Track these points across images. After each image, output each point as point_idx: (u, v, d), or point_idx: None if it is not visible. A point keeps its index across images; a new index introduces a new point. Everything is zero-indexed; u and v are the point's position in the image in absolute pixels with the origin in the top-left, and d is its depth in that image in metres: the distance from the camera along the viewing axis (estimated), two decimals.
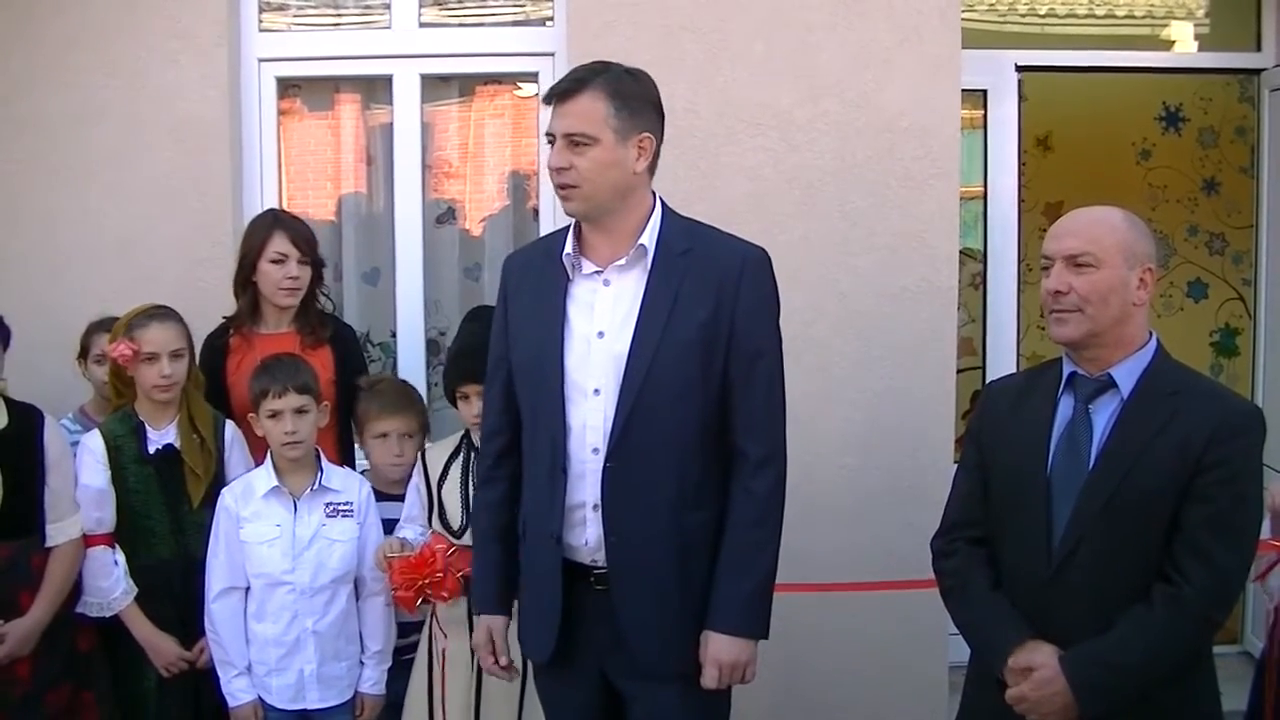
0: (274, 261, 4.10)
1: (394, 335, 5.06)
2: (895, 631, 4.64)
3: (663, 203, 3.08)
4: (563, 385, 2.96)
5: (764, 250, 3.07)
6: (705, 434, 3.01)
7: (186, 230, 4.65)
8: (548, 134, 2.95)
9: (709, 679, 2.97)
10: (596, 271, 3.00)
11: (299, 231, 4.15)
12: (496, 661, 3.16)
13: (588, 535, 2.99)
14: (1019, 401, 2.96)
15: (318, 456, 3.82)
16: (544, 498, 3.01)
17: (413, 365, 4.94)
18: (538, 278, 3.07)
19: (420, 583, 3.52)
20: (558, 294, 3.01)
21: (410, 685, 3.82)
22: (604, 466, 2.94)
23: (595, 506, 2.97)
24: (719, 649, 2.96)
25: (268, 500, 3.73)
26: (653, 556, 2.98)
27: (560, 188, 2.93)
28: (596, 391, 2.95)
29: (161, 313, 3.84)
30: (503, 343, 3.13)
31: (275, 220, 4.17)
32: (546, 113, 3.01)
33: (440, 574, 3.48)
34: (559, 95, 2.92)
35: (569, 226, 3.12)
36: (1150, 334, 2.84)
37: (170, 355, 3.78)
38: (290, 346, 4.07)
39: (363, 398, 4.05)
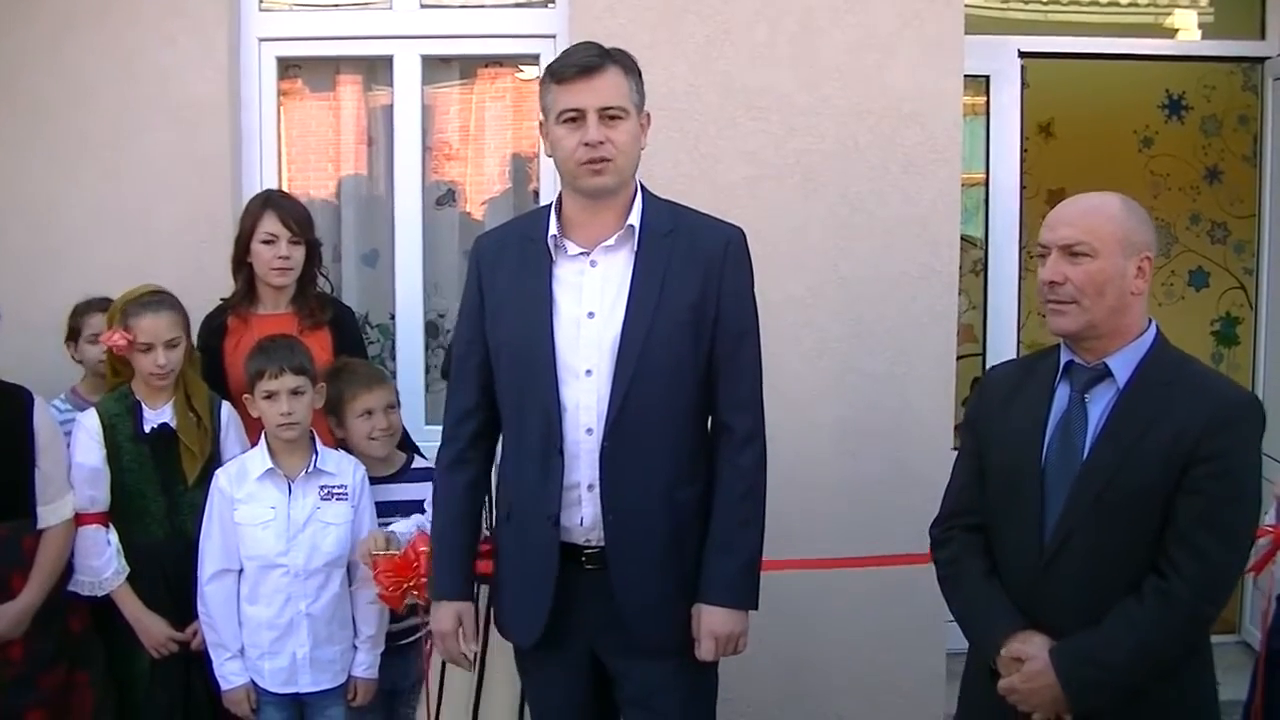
0: (265, 242, 4.08)
1: (393, 317, 5.05)
2: (893, 618, 4.64)
3: (642, 184, 3.09)
4: (554, 366, 2.96)
5: (742, 230, 3.11)
6: (694, 411, 3.08)
7: (186, 211, 4.64)
8: (572, 110, 2.91)
9: (706, 651, 3.01)
10: (583, 253, 3.00)
11: (290, 211, 4.12)
12: (461, 649, 3.13)
13: (582, 515, 3.01)
14: (1016, 389, 2.93)
15: (312, 439, 3.80)
16: (536, 480, 3.01)
17: (412, 347, 4.94)
18: (516, 259, 3.07)
19: (405, 585, 3.50)
20: (542, 276, 3.01)
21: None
22: (601, 446, 2.96)
23: (590, 486, 2.99)
24: (714, 621, 3.01)
25: (262, 482, 3.72)
26: (649, 534, 3.01)
27: (595, 161, 2.90)
28: (589, 372, 2.96)
29: (156, 300, 3.83)
30: (477, 324, 3.11)
31: (266, 200, 4.15)
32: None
33: (424, 577, 3.45)
34: (584, 70, 2.90)
35: (544, 208, 3.14)
36: (1150, 322, 2.80)
37: (165, 345, 3.78)
38: (288, 328, 4.05)
39: (334, 382, 3.98)
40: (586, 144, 2.89)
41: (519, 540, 3.09)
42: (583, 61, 2.92)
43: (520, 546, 3.09)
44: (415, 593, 3.49)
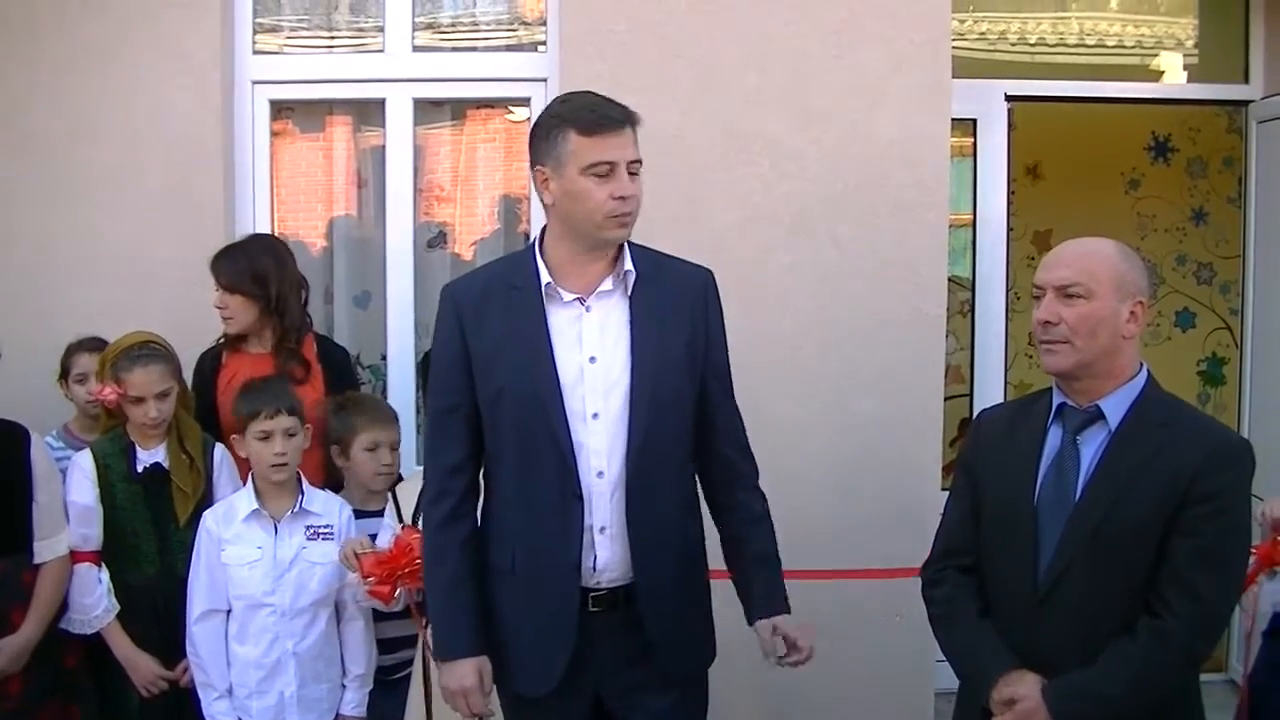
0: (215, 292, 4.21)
1: (384, 358, 5.08)
2: (881, 658, 4.65)
3: None
4: (563, 412, 2.96)
5: (712, 271, 3.17)
6: (691, 447, 3.13)
7: (179, 250, 4.65)
8: (603, 163, 2.88)
9: (806, 640, 3.04)
10: (577, 299, 3.01)
11: (218, 265, 4.22)
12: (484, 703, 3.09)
13: (595, 557, 3.01)
14: (1009, 431, 2.96)
15: (299, 479, 3.82)
16: (553, 526, 2.98)
17: (403, 388, 4.95)
18: (503, 307, 3.03)
19: (399, 572, 3.49)
20: (537, 322, 2.99)
21: (407, 713, 3.79)
22: (624, 487, 2.97)
23: (603, 529, 2.99)
24: (793, 625, 3.06)
25: (249, 523, 3.73)
26: (670, 568, 3.06)
27: (626, 214, 2.93)
28: (595, 416, 2.97)
29: (145, 354, 3.86)
30: (462, 374, 3.05)
31: (212, 260, 4.25)
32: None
33: (420, 560, 3.42)
34: (619, 123, 2.92)
35: (521, 254, 3.15)
36: (1141, 365, 2.84)
37: (156, 397, 3.82)
38: (267, 368, 4.14)
39: (344, 412, 4.05)
40: (620, 197, 2.90)
41: (530, 590, 3.04)
42: (615, 114, 2.92)
43: (530, 596, 3.04)
44: (406, 581, 3.50)
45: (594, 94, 3.03)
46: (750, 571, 3.13)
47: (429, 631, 3.48)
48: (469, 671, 3.04)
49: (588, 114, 2.95)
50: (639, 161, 2.95)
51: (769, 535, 3.18)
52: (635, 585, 3.03)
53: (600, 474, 2.98)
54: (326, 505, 3.85)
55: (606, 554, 3.00)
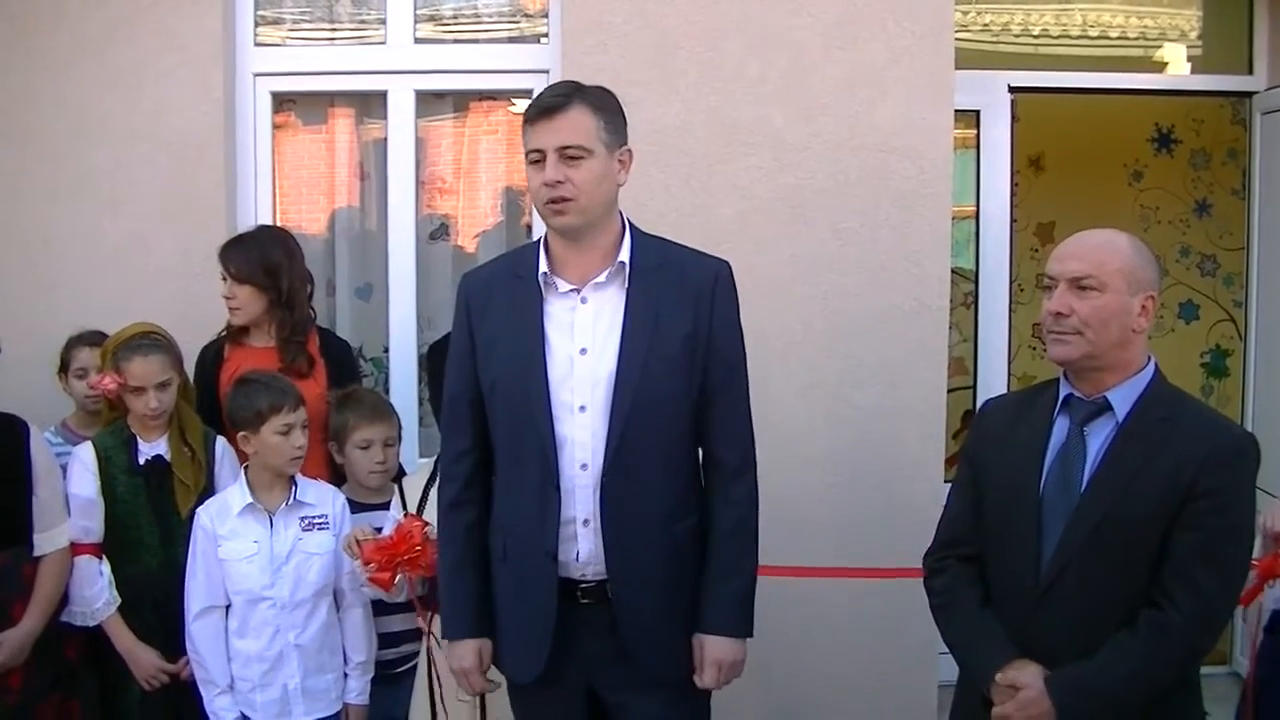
0: (223, 280, 4.20)
1: (386, 351, 5.07)
2: (884, 650, 4.65)
3: (629, 221, 3.10)
4: (548, 403, 2.97)
5: (729, 263, 3.13)
6: (688, 445, 3.10)
7: (181, 244, 4.67)
8: (534, 150, 2.93)
9: (710, 679, 3.04)
10: (573, 290, 3.01)
11: (229, 254, 4.21)
12: (486, 681, 3.14)
13: (579, 549, 3.01)
14: (1015, 421, 2.95)
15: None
16: (534, 516, 3.00)
17: (405, 381, 4.94)
18: (506, 297, 3.07)
19: (399, 559, 3.50)
20: (533, 313, 3.01)
21: (412, 705, 3.81)
22: (600, 481, 2.96)
23: (586, 521, 2.99)
24: (717, 650, 3.04)
25: (243, 517, 3.72)
26: (650, 567, 3.02)
27: (553, 202, 2.91)
28: (582, 408, 2.97)
29: (146, 344, 3.85)
30: (468, 364, 3.11)
31: (221, 250, 4.24)
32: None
33: (419, 547, 3.45)
34: (546, 110, 2.92)
35: (531, 245, 3.16)
36: (1149, 358, 2.82)
37: (156, 387, 3.81)
38: (272, 361, 4.14)
39: (340, 409, 4.06)
40: (546, 184, 2.91)
41: (516, 577, 3.08)
42: (544, 102, 2.94)
43: (518, 583, 3.08)
44: (406, 567, 3.50)
45: (559, 82, 3.09)
46: (706, 584, 3.09)
47: (434, 624, 3.52)
48: (468, 653, 3.11)
49: (531, 101, 3.02)
50: (578, 147, 2.91)
51: (735, 549, 3.09)
52: (607, 580, 3.03)
53: (584, 466, 2.98)
54: (320, 495, 3.85)
55: (589, 546, 3.01)
